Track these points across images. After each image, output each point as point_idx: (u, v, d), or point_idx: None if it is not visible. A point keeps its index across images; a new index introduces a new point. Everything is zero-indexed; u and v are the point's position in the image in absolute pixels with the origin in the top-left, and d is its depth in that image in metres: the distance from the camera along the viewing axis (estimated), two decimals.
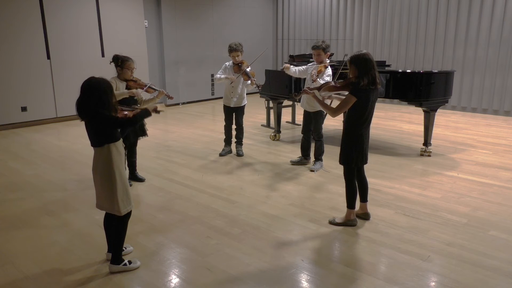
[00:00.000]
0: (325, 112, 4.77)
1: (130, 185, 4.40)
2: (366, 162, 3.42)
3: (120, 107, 2.96)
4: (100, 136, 2.64)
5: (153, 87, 4.30)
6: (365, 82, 3.11)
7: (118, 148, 2.70)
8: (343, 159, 3.38)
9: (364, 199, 3.57)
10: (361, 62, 3.14)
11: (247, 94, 5.39)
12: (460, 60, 8.44)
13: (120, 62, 4.11)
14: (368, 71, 3.11)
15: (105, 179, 2.68)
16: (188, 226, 3.50)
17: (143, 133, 4.43)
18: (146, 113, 2.84)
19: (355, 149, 3.31)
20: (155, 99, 4.42)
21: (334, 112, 3.33)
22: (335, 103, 3.56)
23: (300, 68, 4.85)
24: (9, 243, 3.24)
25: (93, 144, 2.69)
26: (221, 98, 5.51)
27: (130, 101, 4.04)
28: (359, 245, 3.17)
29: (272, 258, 2.99)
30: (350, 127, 3.31)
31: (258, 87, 5.16)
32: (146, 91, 4.27)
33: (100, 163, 2.67)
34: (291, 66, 4.92)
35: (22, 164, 5.28)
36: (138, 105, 4.20)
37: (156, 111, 3.01)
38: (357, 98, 3.17)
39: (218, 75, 5.21)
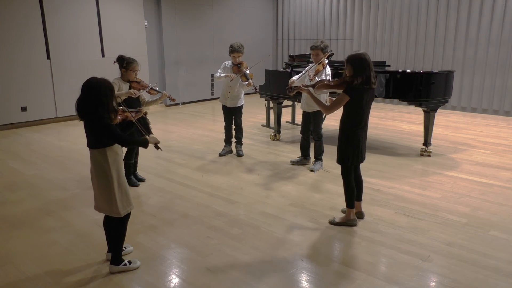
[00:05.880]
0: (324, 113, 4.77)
1: (137, 186, 4.41)
2: (362, 161, 3.43)
3: (122, 108, 2.94)
4: (96, 138, 2.62)
5: (156, 88, 4.31)
6: (359, 81, 3.13)
7: (115, 149, 2.68)
8: (339, 158, 3.40)
9: (358, 198, 3.57)
10: (356, 61, 3.16)
11: (246, 94, 5.39)
12: (460, 60, 8.44)
13: (125, 64, 4.10)
14: (363, 70, 3.12)
15: (102, 181, 2.66)
16: (188, 226, 3.50)
17: (149, 132, 4.42)
18: (143, 143, 2.77)
19: (351, 148, 3.31)
20: (158, 101, 4.42)
21: (328, 109, 3.42)
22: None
23: (301, 74, 4.77)
24: (9, 243, 3.24)
25: (89, 145, 2.66)
26: None
27: (134, 102, 4.03)
28: (359, 245, 3.17)
29: (272, 258, 2.99)
30: (345, 126, 3.33)
31: (255, 88, 5.17)
32: (149, 92, 4.27)
33: (97, 165, 2.65)
34: (294, 77, 4.75)
35: (22, 164, 5.28)
36: (142, 106, 4.20)
37: (157, 146, 2.84)
38: (350, 97, 3.19)
39: (218, 74, 5.21)
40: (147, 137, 2.85)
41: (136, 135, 4.30)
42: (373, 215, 3.65)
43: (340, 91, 3.32)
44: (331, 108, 3.37)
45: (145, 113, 3.28)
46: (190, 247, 3.14)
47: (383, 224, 3.48)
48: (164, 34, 9.20)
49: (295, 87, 3.97)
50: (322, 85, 3.50)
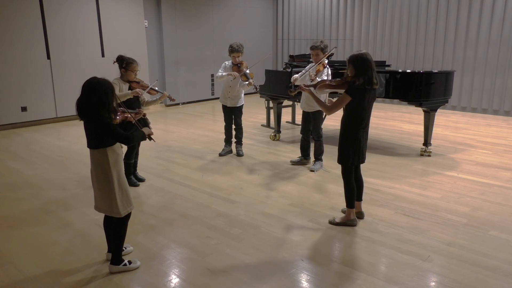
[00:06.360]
0: (324, 113, 4.77)
1: (137, 186, 4.41)
2: (363, 161, 3.43)
3: (122, 109, 2.94)
4: (97, 138, 2.62)
5: (156, 88, 4.31)
6: (361, 81, 3.12)
7: (115, 149, 2.67)
8: (340, 158, 3.39)
9: (358, 198, 3.56)
10: (358, 62, 3.14)
11: (246, 94, 5.38)
12: (460, 60, 8.44)
13: (125, 64, 4.10)
14: (365, 71, 3.11)
15: (102, 182, 2.66)
16: (188, 226, 3.50)
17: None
18: (142, 137, 2.82)
19: (352, 148, 3.31)
20: (158, 101, 4.43)
21: (329, 109, 3.40)
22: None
23: (302, 72, 4.77)
24: (9, 243, 3.24)
25: (89, 146, 2.66)
26: None
27: (134, 102, 4.03)
28: (359, 245, 3.17)
29: (272, 258, 2.99)
30: (347, 126, 3.32)
31: (256, 88, 5.16)
32: (149, 92, 4.27)
33: (97, 165, 2.65)
34: (296, 75, 4.75)
35: (22, 164, 5.28)
36: (142, 107, 4.19)
37: (150, 137, 2.89)
38: (352, 97, 3.18)
39: (220, 73, 5.20)
40: (143, 130, 2.88)
41: None
42: (373, 215, 3.65)
43: (341, 91, 3.32)
44: (332, 108, 3.36)
45: (144, 115, 3.28)
46: (190, 247, 3.14)
47: (383, 224, 3.48)
48: (164, 34, 9.20)
49: (296, 87, 3.97)
50: (323, 85, 3.50)
